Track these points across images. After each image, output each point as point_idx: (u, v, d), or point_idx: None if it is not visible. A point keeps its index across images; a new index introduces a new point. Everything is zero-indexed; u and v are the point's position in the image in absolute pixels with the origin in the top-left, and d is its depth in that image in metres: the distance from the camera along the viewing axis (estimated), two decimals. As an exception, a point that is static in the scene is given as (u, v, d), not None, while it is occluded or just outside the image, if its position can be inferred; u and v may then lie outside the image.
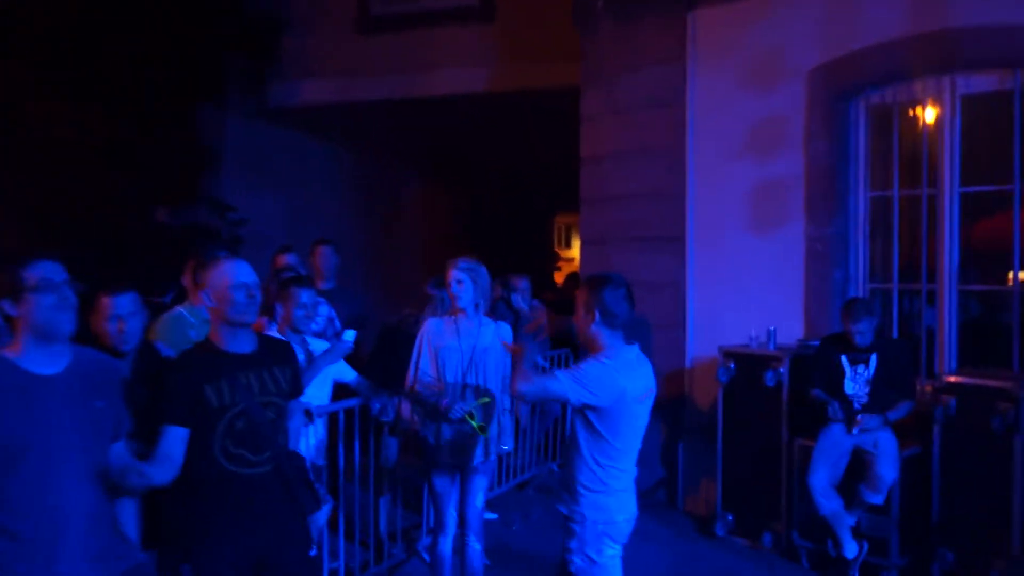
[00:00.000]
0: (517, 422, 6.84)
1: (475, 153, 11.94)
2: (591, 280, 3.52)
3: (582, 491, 3.45)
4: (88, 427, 2.57)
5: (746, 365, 5.91)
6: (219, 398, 3.08)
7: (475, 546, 4.43)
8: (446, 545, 4.44)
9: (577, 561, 3.40)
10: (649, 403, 3.54)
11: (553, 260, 14.50)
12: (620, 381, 3.36)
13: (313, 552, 3.31)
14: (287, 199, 10.03)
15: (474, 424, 4.30)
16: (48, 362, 2.58)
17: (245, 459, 3.11)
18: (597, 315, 3.44)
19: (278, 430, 3.20)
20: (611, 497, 3.44)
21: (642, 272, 6.91)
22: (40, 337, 2.58)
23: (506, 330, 4.50)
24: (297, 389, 3.38)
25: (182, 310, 4.17)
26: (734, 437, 6.02)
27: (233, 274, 3.14)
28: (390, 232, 11.63)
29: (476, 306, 4.42)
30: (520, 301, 6.70)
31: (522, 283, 6.77)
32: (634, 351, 3.52)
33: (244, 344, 3.18)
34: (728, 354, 6.00)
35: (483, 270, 4.45)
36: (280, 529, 3.19)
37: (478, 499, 4.42)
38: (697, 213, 6.72)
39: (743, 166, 6.44)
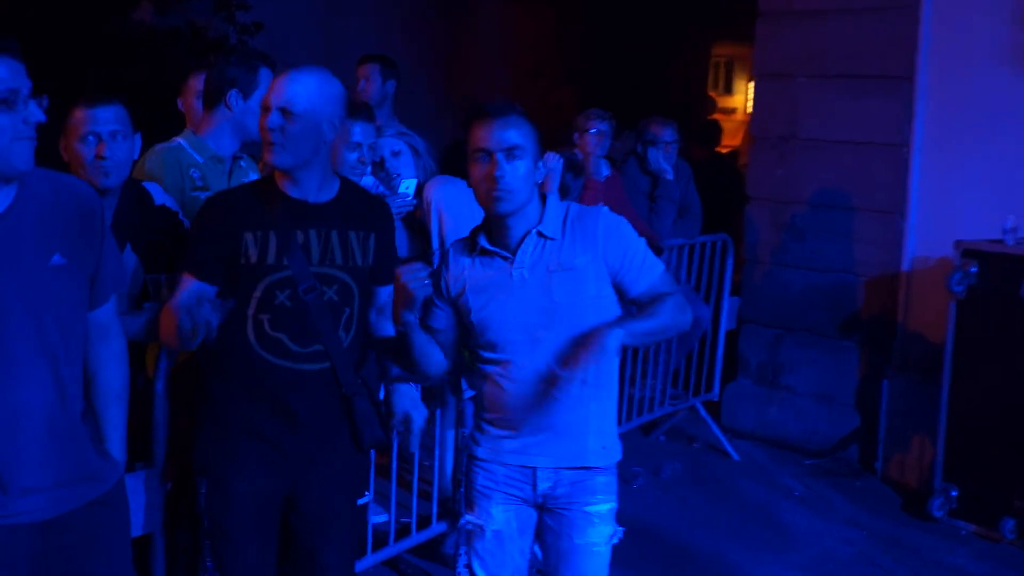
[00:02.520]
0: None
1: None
2: None
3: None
4: (42, 294, 2.57)
5: (995, 269, 5.78)
6: (260, 253, 3.15)
7: None
8: None
9: (616, 534, 3.36)
10: None
11: (706, 108, 14.16)
12: None
13: (365, 499, 3.38)
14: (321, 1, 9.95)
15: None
16: None
17: (283, 347, 3.19)
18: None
19: (339, 318, 3.26)
20: None
21: (844, 126, 6.84)
22: None
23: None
24: (383, 269, 3.41)
25: (182, 141, 4.19)
26: (969, 375, 5.92)
27: (271, 93, 3.21)
28: (466, 56, 11.49)
29: (426, 177, 4.60)
30: (661, 159, 6.55)
31: (665, 132, 6.60)
32: None
33: (310, 189, 3.23)
34: (968, 252, 5.87)
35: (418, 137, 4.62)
36: (325, 457, 3.30)
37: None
38: (935, 39, 6.51)
39: (1012, -35, 6.19)
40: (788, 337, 7.17)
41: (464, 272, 3.22)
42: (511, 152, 3.05)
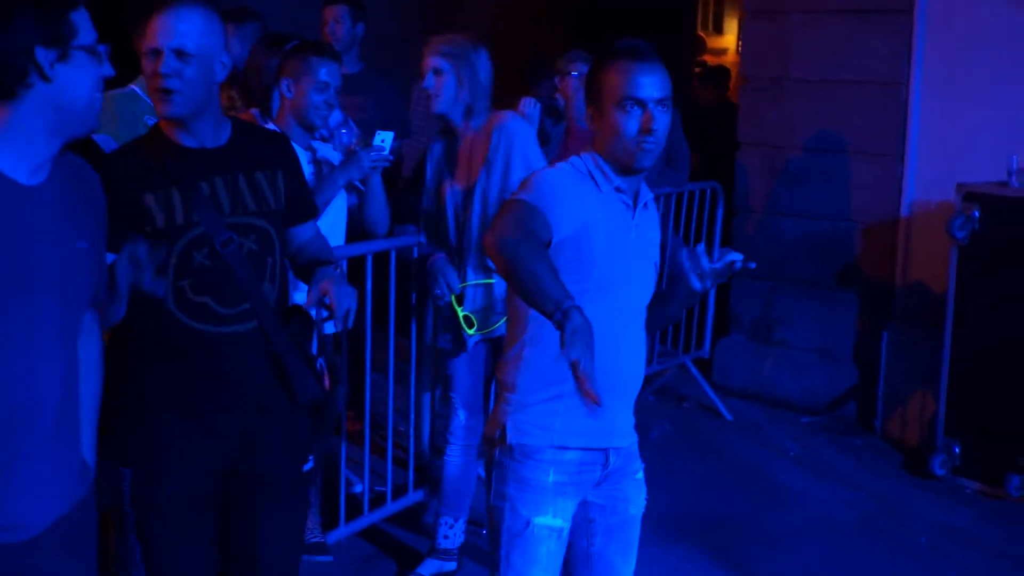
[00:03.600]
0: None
1: None
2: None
3: None
4: (69, 279, 2.46)
5: (999, 213, 5.77)
6: (168, 214, 3.00)
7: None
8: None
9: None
10: None
11: (695, 49, 14.11)
12: None
13: (309, 466, 3.29)
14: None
15: (460, 313, 4.49)
16: (29, 164, 2.38)
17: (209, 311, 3.05)
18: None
19: (264, 270, 3.13)
20: None
21: (839, 65, 6.83)
22: (50, 130, 2.37)
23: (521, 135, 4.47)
24: (300, 205, 3.31)
25: (136, 87, 4.14)
26: (972, 325, 5.93)
27: (151, 31, 2.99)
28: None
29: (467, 111, 4.50)
30: (646, 104, 6.51)
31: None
32: None
33: (206, 134, 3.09)
34: (971, 196, 5.85)
35: (481, 57, 4.47)
36: (263, 424, 3.17)
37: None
38: None
39: None
40: (782, 289, 7.15)
41: (592, 206, 2.95)
42: (663, 102, 2.88)
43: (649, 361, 6.76)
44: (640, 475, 3.18)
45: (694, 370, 7.04)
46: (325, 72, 4.37)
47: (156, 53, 2.97)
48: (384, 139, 4.59)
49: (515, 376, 3.04)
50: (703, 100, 9.37)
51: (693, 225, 6.85)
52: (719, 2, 19.57)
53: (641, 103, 2.87)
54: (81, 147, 3.56)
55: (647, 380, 6.97)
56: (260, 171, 3.15)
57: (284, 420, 3.22)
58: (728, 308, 7.37)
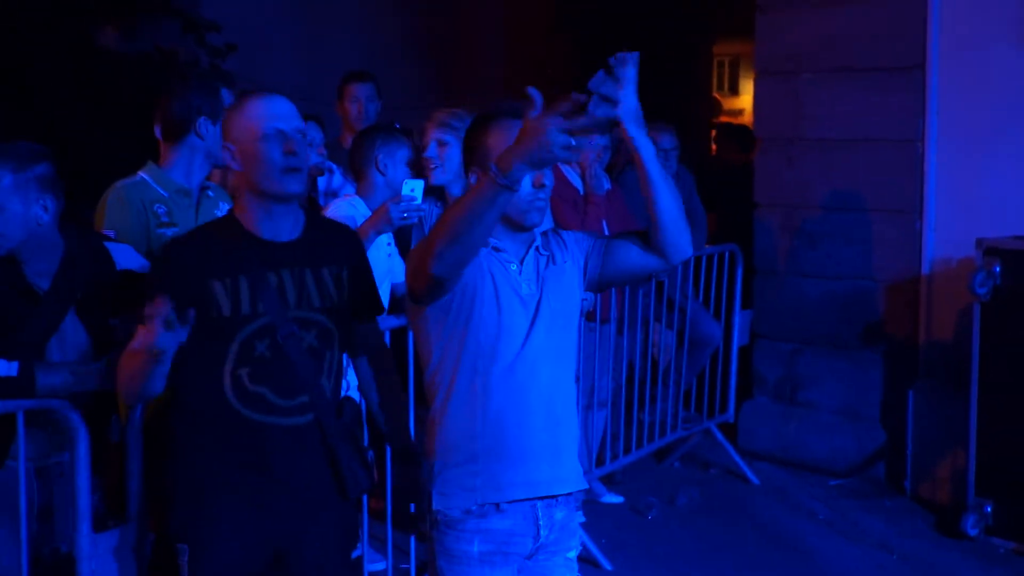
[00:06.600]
0: (651, 358, 6.78)
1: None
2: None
3: None
4: None
5: (1020, 268, 5.75)
6: (234, 304, 3.06)
7: None
8: None
9: None
10: None
11: (712, 111, 14.21)
12: None
13: (357, 553, 3.34)
14: (299, 18, 10.00)
15: None
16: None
17: (267, 402, 3.11)
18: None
19: (322, 364, 3.19)
20: None
21: (853, 123, 6.85)
22: None
23: None
24: (364, 301, 3.36)
25: (145, 175, 4.17)
26: (998, 381, 5.89)
27: (264, 117, 3.09)
28: (457, 63, 11.56)
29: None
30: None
31: (664, 139, 6.61)
32: None
33: (284, 227, 3.16)
34: (992, 251, 5.84)
35: None
36: (313, 514, 3.23)
37: None
38: (946, 22, 6.51)
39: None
40: (806, 350, 7.15)
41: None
42: None
43: (674, 427, 6.79)
44: (572, 554, 3.13)
45: (719, 435, 7.02)
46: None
47: (282, 136, 3.07)
48: (414, 188, 4.45)
49: (434, 441, 3.04)
50: (730, 159, 9.46)
51: (713, 288, 6.88)
52: (734, 63, 19.69)
53: None
54: (90, 252, 3.58)
55: (672, 446, 7.00)
56: (327, 267, 3.21)
57: (334, 508, 3.27)
58: (751, 370, 7.38)
